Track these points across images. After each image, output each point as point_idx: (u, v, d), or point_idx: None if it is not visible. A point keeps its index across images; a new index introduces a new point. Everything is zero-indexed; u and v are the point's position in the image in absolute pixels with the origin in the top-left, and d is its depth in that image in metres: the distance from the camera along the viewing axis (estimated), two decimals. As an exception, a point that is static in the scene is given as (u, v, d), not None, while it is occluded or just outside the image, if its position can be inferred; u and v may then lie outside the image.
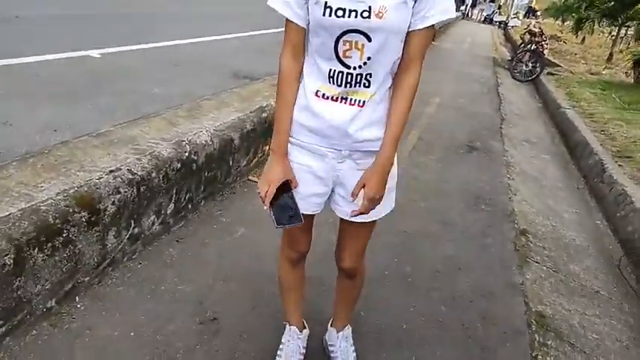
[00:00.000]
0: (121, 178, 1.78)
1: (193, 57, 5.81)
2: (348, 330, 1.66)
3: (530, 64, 8.95)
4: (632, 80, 8.36)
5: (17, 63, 4.15)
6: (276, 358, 1.63)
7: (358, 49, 1.08)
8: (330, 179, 1.26)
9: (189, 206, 2.31)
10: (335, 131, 1.17)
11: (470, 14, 26.97)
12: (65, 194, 1.58)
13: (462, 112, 5.83)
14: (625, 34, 13.20)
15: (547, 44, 9.56)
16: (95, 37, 5.76)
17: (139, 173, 1.86)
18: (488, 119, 5.69)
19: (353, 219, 1.28)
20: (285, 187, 1.24)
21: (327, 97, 1.15)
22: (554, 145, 5.27)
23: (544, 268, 2.58)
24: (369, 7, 1.03)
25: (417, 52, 1.13)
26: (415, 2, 1.06)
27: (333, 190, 1.30)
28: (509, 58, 10.41)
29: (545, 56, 9.32)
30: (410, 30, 1.09)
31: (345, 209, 1.30)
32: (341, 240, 1.43)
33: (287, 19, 1.13)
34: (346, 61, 1.10)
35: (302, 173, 1.26)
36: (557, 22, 20.95)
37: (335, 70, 1.12)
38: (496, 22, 24.37)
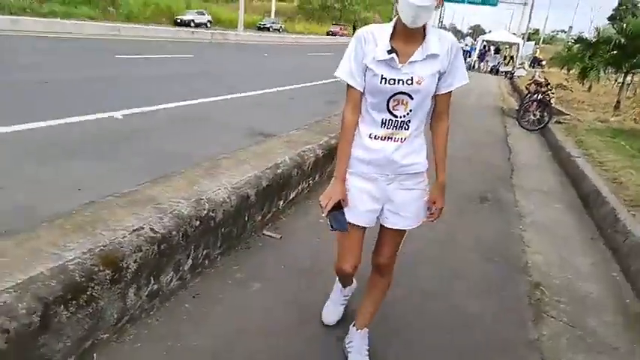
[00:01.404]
0: (144, 237, 1.87)
1: (206, 116, 6.09)
2: (365, 331, 1.97)
3: (537, 114, 9.08)
4: (642, 128, 8.42)
5: (46, 126, 4.42)
6: (327, 302, 2.22)
7: (403, 105, 1.58)
8: (382, 198, 1.70)
9: (206, 262, 2.38)
10: (384, 161, 1.64)
11: (476, 66, 27.72)
12: (91, 253, 1.68)
13: (472, 163, 5.92)
14: (631, 81, 13.39)
15: (553, 93, 9.74)
16: (117, 99, 6.11)
17: (161, 232, 1.96)
18: (498, 169, 5.75)
19: (395, 227, 1.75)
20: (339, 204, 1.70)
21: (378, 138, 1.63)
22: (566, 194, 5.26)
23: (560, 323, 2.54)
24: (411, 77, 1.54)
25: (445, 107, 1.69)
26: (442, 74, 1.59)
27: (382, 208, 1.72)
28: (517, 108, 10.58)
29: (553, 105, 9.48)
30: (440, 93, 1.63)
31: (392, 220, 1.74)
32: (381, 243, 1.84)
33: (349, 85, 1.62)
34: (395, 112, 1.59)
35: (361, 194, 1.70)
36: (563, 70, 21.34)
37: (386, 119, 1.61)
38: (502, 72, 25.00)
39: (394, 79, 1.54)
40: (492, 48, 30.27)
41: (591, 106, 12.25)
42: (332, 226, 1.70)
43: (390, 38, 1.54)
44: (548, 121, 8.83)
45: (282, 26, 41.88)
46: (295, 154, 3.33)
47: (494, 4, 30.18)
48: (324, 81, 10.35)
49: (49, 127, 4.42)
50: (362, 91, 1.61)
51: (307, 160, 3.41)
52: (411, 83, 1.54)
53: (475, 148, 6.90)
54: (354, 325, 2.01)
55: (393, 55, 1.52)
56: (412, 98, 1.56)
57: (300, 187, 3.38)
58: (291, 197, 3.28)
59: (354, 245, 1.77)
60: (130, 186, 2.46)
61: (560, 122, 9.07)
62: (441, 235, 3.43)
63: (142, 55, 11.94)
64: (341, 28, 51.32)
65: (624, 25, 11.01)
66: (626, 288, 3.14)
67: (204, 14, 32.96)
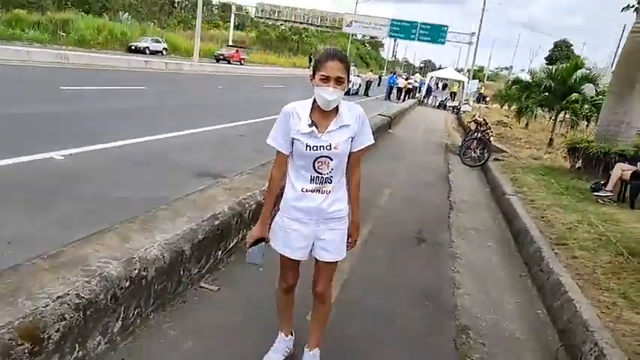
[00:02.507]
0: (68, 304, 1.86)
1: (153, 155, 6.04)
2: (317, 351, 2.30)
3: (477, 151, 9.66)
4: (569, 165, 9.11)
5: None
6: (268, 352, 2.34)
7: (326, 165, 1.97)
8: (311, 238, 2.08)
9: (138, 321, 2.37)
10: (314, 209, 2.02)
11: (425, 101, 29.06)
12: (10, 327, 1.65)
13: (412, 202, 6.18)
14: (564, 118, 14.48)
15: (491, 132, 10.40)
16: (59, 137, 5.93)
17: (87, 297, 1.95)
18: (437, 208, 6.04)
19: (323, 259, 2.12)
20: (261, 240, 2.12)
21: (309, 191, 2.00)
22: (500, 231, 5.58)
23: (482, 366, 2.70)
24: (330, 144, 1.94)
25: (356, 162, 2.11)
26: (353, 138, 2.00)
27: (313, 244, 2.09)
28: (460, 145, 11.19)
29: (492, 143, 10.11)
30: (352, 151, 2.03)
31: (320, 253, 2.11)
32: (316, 273, 2.20)
33: (278, 151, 2.02)
34: (320, 171, 1.98)
35: (294, 235, 2.07)
36: (505, 107, 22.77)
37: (314, 176, 1.99)
38: (449, 107, 26.38)
39: (316, 146, 1.93)
40: (440, 84, 31.93)
41: (528, 142, 13.13)
42: (247, 259, 2.14)
43: (310, 112, 1.95)
44: (487, 158, 9.40)
45: (240, 56, 42.12)
46: (235, 203, 3.40)
47: (442, 43, 32.17)
48: (274, 116, 10.57)
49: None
50: (287, 154, 2.02)
51: (248, 208, 3.48)
52: (330, 148, 1.94)
53: (416, 186, 7.22)
54: (306, 347, 2.31)
55: (313, 127, 1.93)
56: (332, 160, 1.97)
57: (240, 235, 3.43)
58: (230, 246, 3.33)
59: (292, 270, 2.20)
60: (64, 239, 2.43)
61: (498, 159, 9.66)
62: (375, 279, 3.56)
63: (90, 87, 11.69)
64: (238, 51, 36.85)
65: (553, 70, 12.07)
66: (549, 325, 3.37)
67: (159, 42, 32.73)
